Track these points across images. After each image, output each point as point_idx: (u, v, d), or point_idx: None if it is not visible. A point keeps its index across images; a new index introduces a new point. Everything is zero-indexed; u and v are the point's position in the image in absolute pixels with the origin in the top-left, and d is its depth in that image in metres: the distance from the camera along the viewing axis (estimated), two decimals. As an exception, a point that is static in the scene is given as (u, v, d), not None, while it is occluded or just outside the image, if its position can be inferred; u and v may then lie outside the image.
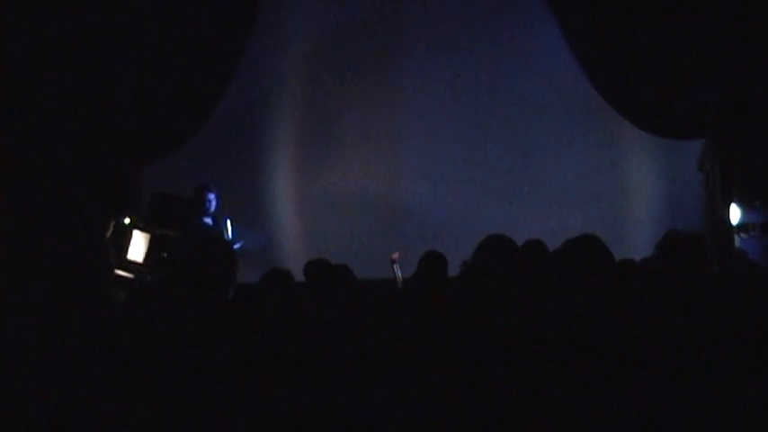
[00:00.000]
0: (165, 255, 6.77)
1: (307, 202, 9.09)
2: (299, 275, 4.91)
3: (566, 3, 8.55)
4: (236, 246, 7.57)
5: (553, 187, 8.92)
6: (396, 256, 7.47)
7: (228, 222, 7.67)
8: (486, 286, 3.32)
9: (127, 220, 7.10)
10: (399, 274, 7.33)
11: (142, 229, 7.01)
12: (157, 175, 8.39)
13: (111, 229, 6.53)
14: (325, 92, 9.14)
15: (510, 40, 9.00)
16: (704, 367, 2.92)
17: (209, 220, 7.69)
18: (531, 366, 2.91)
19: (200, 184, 7.71)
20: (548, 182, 8.95)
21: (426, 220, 8.86)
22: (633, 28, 8.28)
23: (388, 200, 8.93)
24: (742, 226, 7.77)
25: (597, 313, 3.04)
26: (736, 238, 7.77)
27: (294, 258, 7.72)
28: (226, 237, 7.55)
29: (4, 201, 7.68)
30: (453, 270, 4.48)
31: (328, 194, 8.94)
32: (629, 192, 9.01)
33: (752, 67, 8.07)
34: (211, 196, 7.67)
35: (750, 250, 6.58)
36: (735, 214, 7.87)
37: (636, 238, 8.17)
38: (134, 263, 6.83)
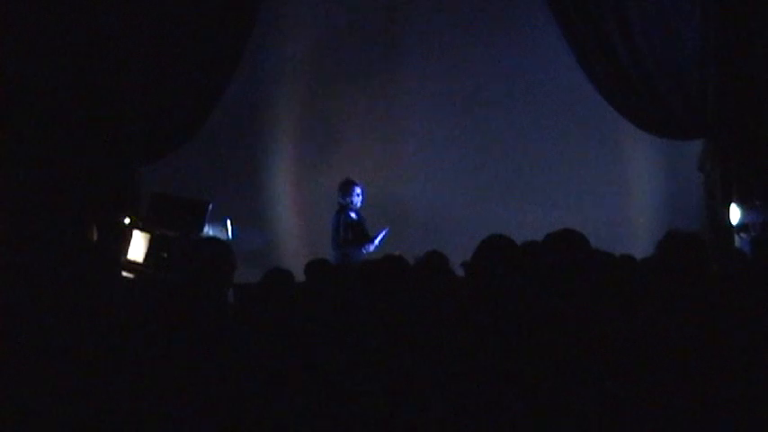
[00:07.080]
0: (165, 255, 6.79)
1: (307, 202, 9.09)
2: (299, 275, 4.91)
3: (566, 3, 8.54)
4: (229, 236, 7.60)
5: (553, 187, 8.92)
6: None
7: (228, 222, 7.67)
8: (487, 286, 3.32)
9: (127, 220, 7.12)
10: None
11: (142, 229, 7.02)
12: (157, 175, 8.39)
13: (95, 231, 6.54)
14: (326, 92, 9.15)
15: (510, 41, 9.00)
16: (703, 367, 2.92)
17: (353, 215, 7.90)
18: (531, 366, 2.91)
19: (347, 179, 7.97)
20: (548, 182, 8.95)
21: (427, 220, 8.85)
22: (633, 28, 8.28)
23: (388, 200, 8.92)
24: (742, 226, 7.75)
25: (597, 313, 3.05)
26: (737, 238, 7.76)
27: (294, 258, 7.71)
28: (225, 237, 7.55)
29: (3, 200, 7.68)
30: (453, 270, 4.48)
31: (328, 194, 8.93)
32: (629, 192, 9.01)
33: (752, 67, 8.07)
34: (359, 190, 7.92)
35: (750, 250, 6.57)
36: (735, 214, 7.86)
37: (636, 238, 8.16)
38: (134, 263, 6.84)
